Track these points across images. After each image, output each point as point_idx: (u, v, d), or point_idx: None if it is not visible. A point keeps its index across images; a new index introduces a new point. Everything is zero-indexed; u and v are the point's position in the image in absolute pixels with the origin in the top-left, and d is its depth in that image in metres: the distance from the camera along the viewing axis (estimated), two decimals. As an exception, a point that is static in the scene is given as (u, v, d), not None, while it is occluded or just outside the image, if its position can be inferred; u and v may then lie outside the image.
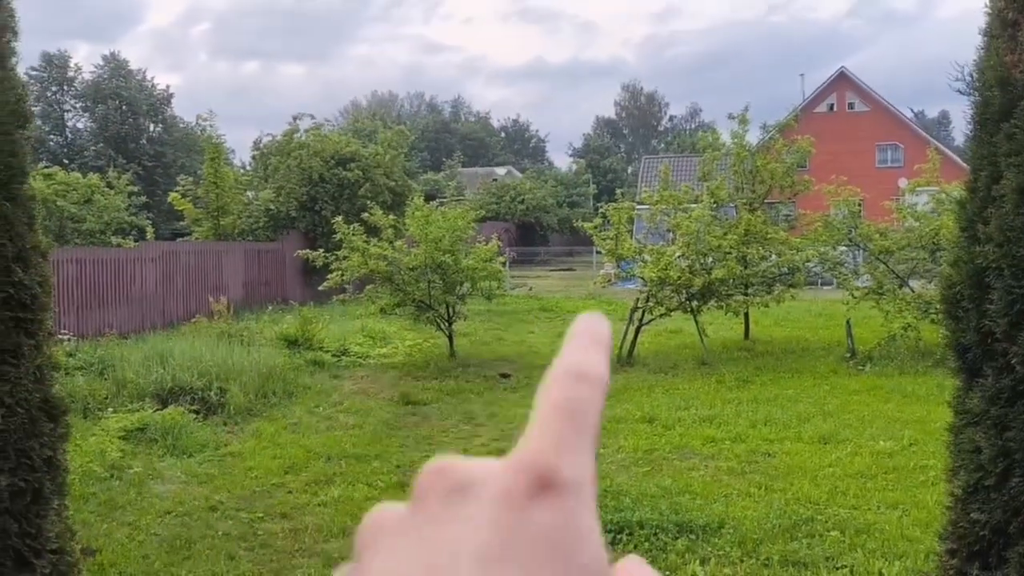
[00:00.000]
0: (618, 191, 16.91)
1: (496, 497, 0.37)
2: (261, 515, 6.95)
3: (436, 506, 0.39)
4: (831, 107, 42.73)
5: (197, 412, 10.04)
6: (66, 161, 42.23)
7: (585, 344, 0.42)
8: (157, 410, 9.79)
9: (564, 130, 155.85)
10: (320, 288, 16.04)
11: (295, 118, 27.58)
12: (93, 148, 48.49)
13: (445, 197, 34.93)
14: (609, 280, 16.64)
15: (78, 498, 6.84)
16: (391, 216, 16.00)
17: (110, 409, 9.85)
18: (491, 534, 0.36)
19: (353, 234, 14.99)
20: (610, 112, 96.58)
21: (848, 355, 13.98)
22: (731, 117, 17.36)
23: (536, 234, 52.30)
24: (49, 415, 3.29)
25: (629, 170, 77.28)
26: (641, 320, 14.95)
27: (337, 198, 24.99)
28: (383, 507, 0.41)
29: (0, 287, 3.08)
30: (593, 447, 0.39)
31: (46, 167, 25.14)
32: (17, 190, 3.23)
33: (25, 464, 3.14)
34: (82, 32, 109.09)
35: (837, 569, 5.57)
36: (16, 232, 3.18)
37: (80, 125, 53.19)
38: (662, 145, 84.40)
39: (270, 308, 19.82)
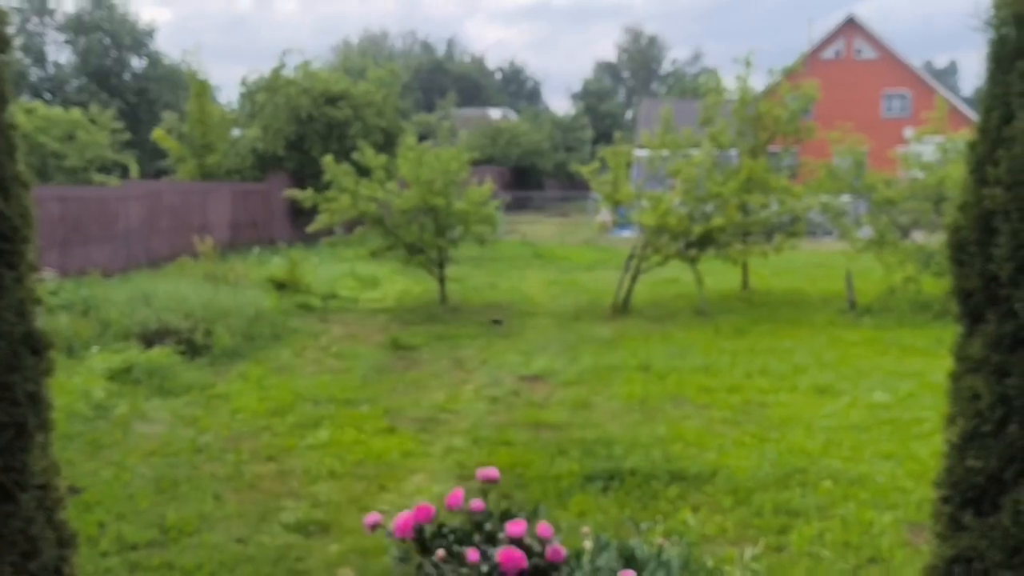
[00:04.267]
0: (616, 134, 16.64)
1: None
2: (248, 457, 6.86)
3: None
4: (838, 53, 42.13)
5: (183, 353, 9.90)
6: (48, 96, 41.51)
7: None
8: (142, 350, 9.64)
9: (563, 73, 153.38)
10: (308, 230, 15.83)
11: (284, 53, 27.01)
12: (75, 82, 47.62)
13: (439, 138, 34.48)
14: (605, 227, 16.45)
15: (63, 437, 6.74)
16: (382, 157, 15.69)
17: (95, 349, 9.70)
18: None
19: (343, 174, 14.71)
20: (611, 55, 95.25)
21: (847, 307, 13.90)
22: (736, 60, 17.00)
23: (531, 179, 51.87)
24: (32, 349, 3.21)
25: (628, 115, 76.58)
26: (638, 268, 14.80)
27: (326, 137, 24.59)
28: None
29: (-21, 218, 2.94)
30: None
31: (27, 100, 24.67)
32: (-3, 118, 3.06)
33: (8, 398, 3.09)
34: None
35: (829, 518, 5.52)
36: (-4, 161, 3.02)
37: (62, 59, 52.09)
38: (663, 89, 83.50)
39: (257, 249, 19.66)
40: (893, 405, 8.23)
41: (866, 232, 15.38)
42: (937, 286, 13.62)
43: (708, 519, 5.54)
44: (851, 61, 41.53)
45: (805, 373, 9.62)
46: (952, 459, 2.84)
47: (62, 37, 51.01)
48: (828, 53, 41.69)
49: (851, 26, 42.33)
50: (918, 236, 14.69)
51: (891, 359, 10.42)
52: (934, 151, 14.97)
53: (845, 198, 15.61)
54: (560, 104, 79.00)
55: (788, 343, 11.44)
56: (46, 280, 11.60)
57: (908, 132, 19.60)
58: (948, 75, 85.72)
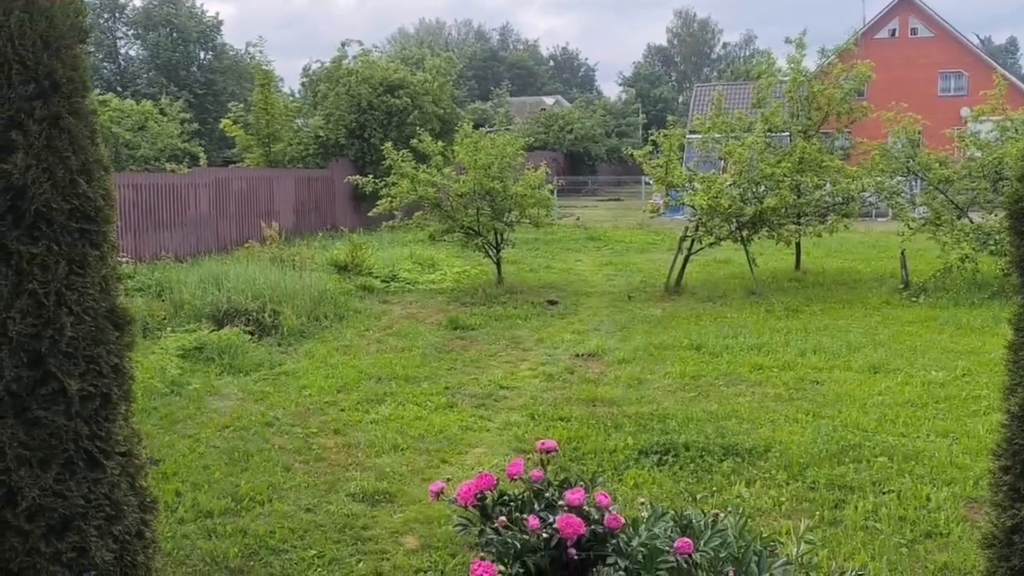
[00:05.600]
0: (669, 118, 16.61)
1: None
2: (315, 430, 7.16)
3: None
4: (893, 32, 41.18)
5: (252, 333, 10.30)
6: (119, 89, 42.74)
7: None
8: (213, 330, 10.06)
9: (614, 59, 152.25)
10: (369, 214, 16.16)
11: (343, 44, 27.45)
12: (145, 76, 48.97)
13: (494, 125, 34.62)
14: (657, 210, 16.47)
15: (140, 412, 7.08)
16: (440, 143, 15.96)
17: (168, 329, 10.15)
18: None
19: (402, 160, 15.02)
20: (662, 40, 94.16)
21: (902, 286, 13.75)
22: (788, 41, 16.87)
23: (584, 164, 51.73)
24: (115, 324, 3.37)
25: (680, 99, 75.69)
26: (690, 249, 14.84)
27: (386, 125, 24.97)
28: None
29: (66, 199, 3.15)
30: None
31: (100, 94, 25.46)
32: (79, 104, 3.27)
33: (94, 370, 3.25)
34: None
35: (884, 494, 5.57)
36: (79, 145, 3.23)
37: (132, 53, 53.61)
38: (715, 73, 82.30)
39: (320, 234, 20.07)
40: (949, 383, 8.20)
41: (921, 212, 15.15)
42: (994, 266, 13.38)
43: (762, 493, 5.63)
44: (906, 40, 40.53)
45: (859, 351, 9.61)
46: (1012, 430, 2.83)
47: (132, 32, 52.44)
48: (882, 33, 40.74)
49: (906, 5, 41.25)
50: (975, 216, 14.43)
51: (946, 337, 10.35)
52: (992, 130, 14.65)
53: (900, 178, 15.37)
54: (612, 90, 78.21)
55: (842, 322, 11.41)
56: (122, 264, 12.10)
57: (965, 111, 19.14)
58: (1007, 53, 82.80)
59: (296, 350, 10.19)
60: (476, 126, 17.71)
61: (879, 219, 24.68)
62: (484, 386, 8.64)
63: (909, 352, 9.57)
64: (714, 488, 5.70)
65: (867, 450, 6.35)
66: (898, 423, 7.02)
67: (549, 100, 64.06)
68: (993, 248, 13.12)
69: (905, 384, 8.22)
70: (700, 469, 6.08)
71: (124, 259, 12.98)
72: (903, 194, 15.46)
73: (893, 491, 5.60)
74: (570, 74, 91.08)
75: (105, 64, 51.13)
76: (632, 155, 16.62)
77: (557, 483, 4.41)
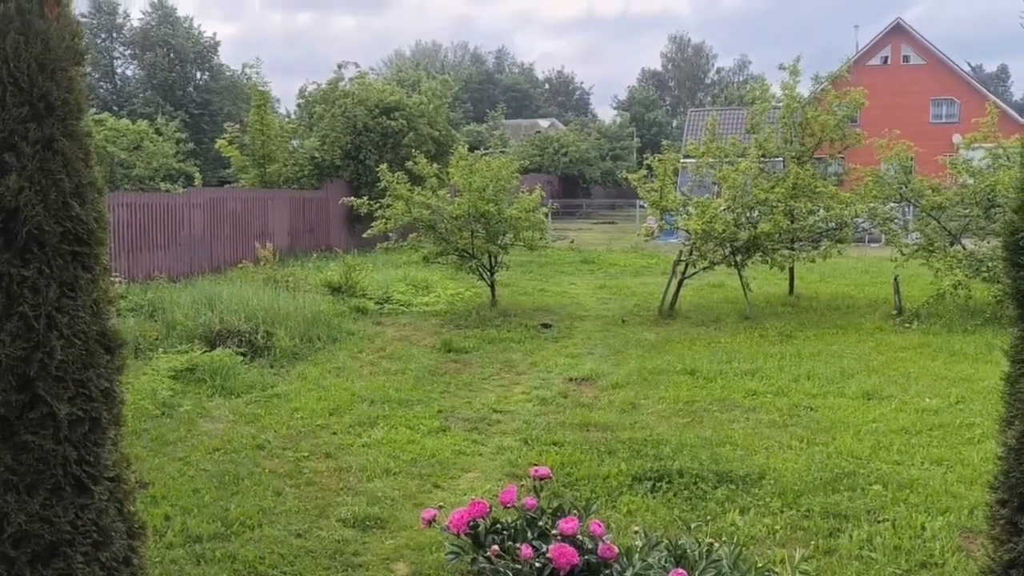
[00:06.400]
0: (664, 143, 16.74)
1: None
2: (306, 454, 7.11)
3: None
4: (885, 60, 41.58)
5: (244, 354, 10.25)
6: (115, 108, 42.82)
7: None
8: (205, 351, 10.01)
9: (609, 82, 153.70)
10: (364, 236, 16.16)
11: (340, 66, 27.56)
12: (141, 95, 49.07)
13: (489, 148, 34.75)
14: (652, 233, 16.54)
15: (131, 434, 7.03)
16: (435, 165, 16.00)
17: (160, 350, 10.10)
18: None
19: (397, 182, 15.04)
20: (656, 64, 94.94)
21: (895, 312, 13.78)
22: (782, 67, 16.97)
23: (579, 187, 51.99)
24: (106, 347, 3.34)
25: (674, 123, 76.21)
26: (684, 273, 14.88)
27: (381, 147, 25.04)
28: None
29: (59, 221, 3.13)
30: None
31: (96, 113, 25.47)
32: (73, 126, 3.26)
33: (83, 394, 3.21)
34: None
35: (879, 522, 5.54)
36: (73, 167, 3.22)
37: (129, 72, 53.82)
38: (708, 98, 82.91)
39: (314, 255, 20.08)
40: (943, 410, 8.19)
41: (914, 238, 15.22)
42: (987, 292, 13.43)
43: (756, 521, 5.60)
44: (898, 67, 40.94)
45: (853, 378, 9.61)
46: (1009, 462, 2.80)
47: (129, 52, 52.68)
48: (875, 60, 41.13)
49: (898, 32, 41.70)
50: (967, 243, 14.50)
51: (940, 364, 10.34)
52: (984, 157, 14.75)
53: (892, 204, 15.46)
54: (607, 114, 78.62)
55: (835, 348, 11.42)
56: (115, 284, 12.05)
57: (957, 138, 19.27)
58: (999, 80, 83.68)
59: (288, 372, 10.14)
60: (471, 148, 17.77)
61: (872, 245, 24.79)
62: (477, 410, 8.60)
63: (903, 379, 9.57)
64: (708, 516, 5.66)
65: (861, 478, 6.32)
66: (892, 450, 7.01)
67: (544, 123, 64.38)
68: (986, 275, 13.17)
69: (899, 411, 8.21)
70: (694, 496, 6.05)
71: (117, 279, 12.93)
72: (896, 220, 15.52)
73: (888, 520, 5.57)
74: (565, 97, 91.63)
75: (102, 84, 51.28)
76: (627, 179, 16.69)
77: (551, 511, 4.38)
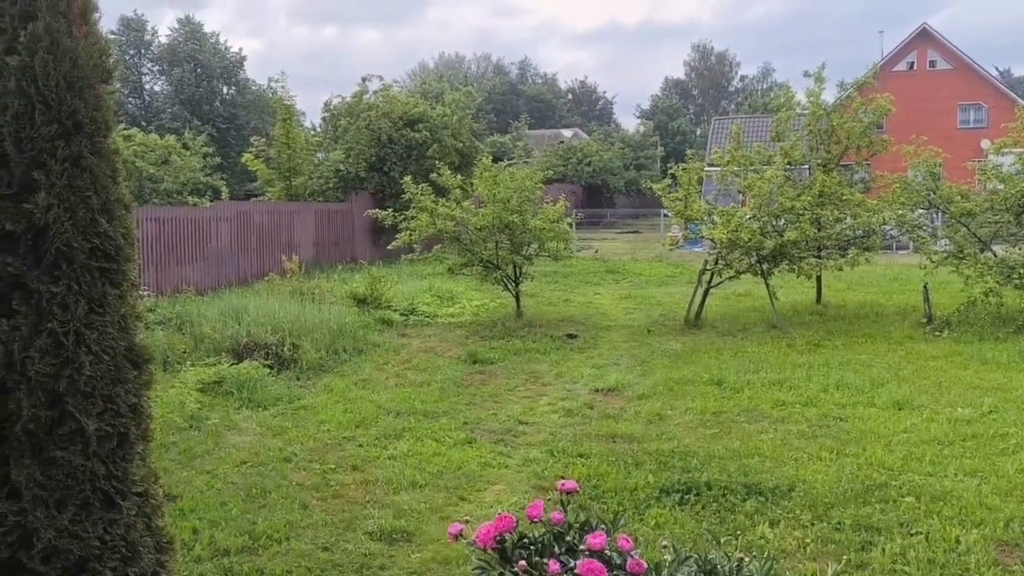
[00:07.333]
0: (688, 151, 16.73)
1: None
2: (333, 466, 7.12)
3: None
4: (911, 65, 41.17)
5: (271, 367, 10.30)
6: (144, 123, 43.42)
7: None
8: (233, 364, 10.07)
9: (632, 92, 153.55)
10: (389, 247, 16.22)
11: (364, 79, 27.76)
12: (169, 110, 49.73)
13: (513, 158, 34.83)
14: (676, 243, 16.45)
15: (159, 447, 7.06)
16: (459, 177, 16.03)
17: (188, 363, 10.17)
18: None
19: (422, 194, 15.08)
20: (679, 73, 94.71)
21: (924, 320, 13.59)
22: (807, 75, 16.86)
23: (603, 196, 51.95)
24: (133, 363, 3.37)
25: (698, 132, 75.94)
26: (710, 283, 14.78)
27: (405, 159, 25.15)
28: None
29: (87, 238, 3.16)
30: None
31: (125, 129, 25.84)
32: (101, 144, 3.29)
33: (112, 409, 3.23)
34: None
35: (912, 535, 5.44)
36: (101, 185, 3.25)
37: (157, 88, 54.58)
38: (732, 106, 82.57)
39: (340, 267, 20.19)
40: (975, 420, 8.06)
41: (943, 245, 15.01)
42: (1019, 299, 13.22)
43: (787, 534, 5.53)
44: (924, 73, 40.50)
45: (883, 387, 9.48)
46: None
47: (157, 68, 53.45)
48: (901, 66, 40.73)
49: (924, 37, 41.28)
50: (998, 249, 14.28)
51: (972, 373, 10.18)
52: (1014, 162, 14.54)
53: (921, 211, 15.27)
54: (630, 123, 78.46)
55: (864, 357, 11.27)
56: (144, 297, 12.18)
57: (985, 143, 19.01)
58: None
59: (315, 384, 10.18)
60: (495, 159, 17.80)
61: (900, 252, 24.51)
62: (503, 421, 8.58)
63: (934, 388, 9.43)
64: (737, 529, 5.59)
65: (893, 490, 6.23)
66: (924, 461, 6.89)
67: (567, 133, 64.44)
68: (1018, 282, 12.97)
69: (931, 421, 8.08)
70: (723, 509, 5.98)
71: (146, 292, 13.06)
72: (925, 227, 15.33)
73: (921, 533, 5.47)
74: (588, 107, 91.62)
75: (130, 99, 52.03)
76: (651, 188, 16.63)
77: (578, 525, 4.34)
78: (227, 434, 8.09)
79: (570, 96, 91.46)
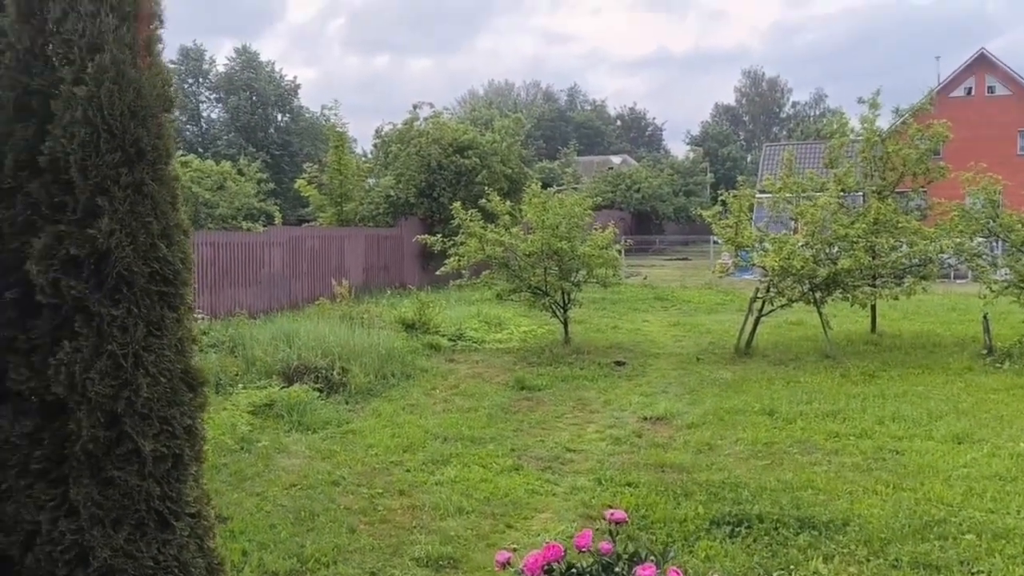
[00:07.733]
0: (739, 178, 16.62)
1: None
2: (380, 491, 7.14)
3: None
4: (969, 91, 40.49)
5: (320, 390, 10.40)
6: (201, 150, 44.50)
7: None
8: (283, 387, 10.19)
9: (681, 118, 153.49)
10: (437, 273, 16.33)
11: (415, 106, 28.13)
12: (225, 137, 50.92)
13: (562, 185, 34.91)
14: (726, 270, 16.30)
15: (211, 468, 7.15)
16: (507, 203, 16.12)
17: (240, 385, 10.32)
18: None
19: (471, 220, 15.18)
20: (730, 99, 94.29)
21: (984, 351, 13.23)
22: (861, 101, 16.65)
23: (652, 223, 51.76)
24: (189, 385, 3.43)
25: (748, 158, 75.40)
26: (761, 311, 14.59)
27: (455, 185, 25.37)
28: None
29: (147, 263, 3.24)
30: None
31: (182, 155, 26.51)
32: (162, 171, 3.38)
33: (167, 431, 3.29)
34: (226, 29, 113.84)
35: (973, 574, 5.28)
36: (161, 210, 3.33)
37: (213, 115, 55.97)
38: (784, 132, 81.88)
39: (389, 292, 20.34)
40: (1040, 456, 7.79)
41: (1003, 274, 14.61)
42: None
43: (841, 570, 5.40)
44: (982, 99, 39.80)
45: (941, 420, 9.23)
46: None
47: (214, 96, 54.87)
48: (958, 91, 40.08)
49: (982, 63, 40.58)
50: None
51: (1036, 407, 9.86)
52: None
53: (980, 239, 14.90)
54: (680, 149, 78.29)
55: (921, 388, 11.00)
56: (198, 320, 12.41)
57: (1048, 170, 18.50)
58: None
59: (363, 408, 10.24)
60: (544, 185, 17.86)
61: (958, 281, 23.95)
62: (550, 448, 8.53)
63: (995, 421, 9.15)
64: (790, 563, 5.47)
65: (953, 526, 6.04)
66: (986, 498, 6.68)
67: (616, 159, 64.46)
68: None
69: (992, 456, 7.84)
70: (775, 542, 5.86)
71: (200, 315, 13.31)
72: (984, 256, 14.95)
73: (982, 572, 5.31)
74: (637, 133, 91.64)
75: (188, 126, 53.42)
76: (701, 215, 16.52)
77: (627, 556, 4.28)
78: (277, 457, 8.17)
79: (619, 123, 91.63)
